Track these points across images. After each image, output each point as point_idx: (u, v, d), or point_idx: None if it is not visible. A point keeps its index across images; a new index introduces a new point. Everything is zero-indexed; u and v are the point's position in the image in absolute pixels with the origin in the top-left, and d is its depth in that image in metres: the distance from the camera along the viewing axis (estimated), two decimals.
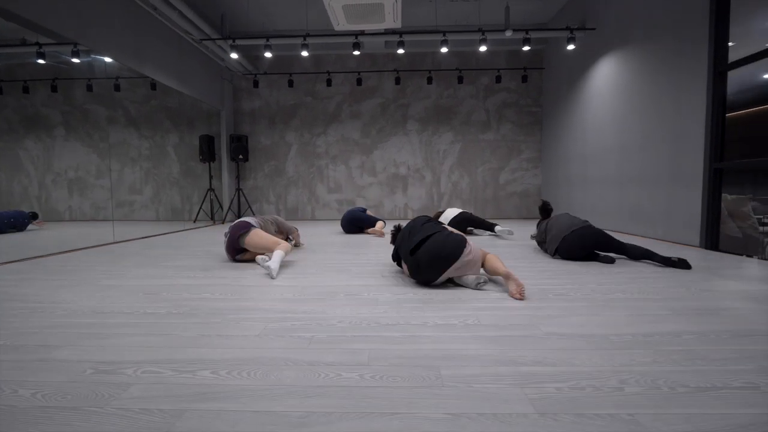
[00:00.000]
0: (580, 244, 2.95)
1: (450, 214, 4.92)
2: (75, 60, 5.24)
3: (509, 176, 7.38)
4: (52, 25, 3.94)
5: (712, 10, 3.39)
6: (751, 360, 1.25)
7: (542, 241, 3.37)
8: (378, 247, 3.92)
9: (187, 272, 2.72)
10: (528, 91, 7.26)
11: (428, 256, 2.14)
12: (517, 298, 1.97)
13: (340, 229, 5.79)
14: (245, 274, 2.65)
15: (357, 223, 5.14)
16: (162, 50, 5.58)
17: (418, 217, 2.57)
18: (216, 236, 5.13)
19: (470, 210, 7.31)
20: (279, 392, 1.09)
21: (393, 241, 2.72)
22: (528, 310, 1.78)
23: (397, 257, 2.57)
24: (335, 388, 1.11)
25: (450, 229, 2.39)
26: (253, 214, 6.96)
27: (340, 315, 1.75)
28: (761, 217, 3.43)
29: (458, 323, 1.62)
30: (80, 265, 3.00)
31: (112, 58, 4.93)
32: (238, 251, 3.09)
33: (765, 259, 3.05)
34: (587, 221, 3.06)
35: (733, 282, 2.30)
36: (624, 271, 2.63)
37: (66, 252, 3.71)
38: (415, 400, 1.04)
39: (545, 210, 3.50)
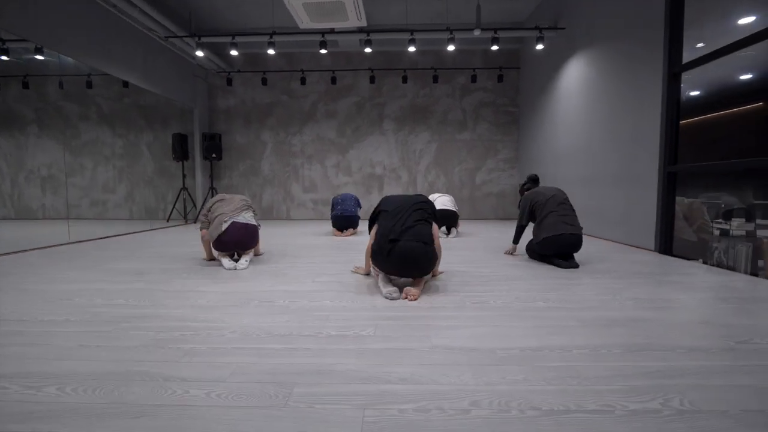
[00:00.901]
0: (569, 242, 2.87)
1: (441, 202, 4.65)
2: (39, 57, 5.14)
3: (486, 176, 7.32)
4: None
5: (667, 11, 3.33)
6: (624, 379, 1.19)
7: (528, 214, 3.15)
8: (336, 251, 3.86)
9: (120, 276, 2.66)
10: (505, 90, 7.20)
11: (401, 258, 2.10)
12: (407, 298, 2.03)
13: (312, 229, 5.73)
14: (178, 277, 2.59)
15: (348, 224, 4.91)
16: (126, 48, 5.49)
17: (418, 194, 2.42)
18: (181, 236, 5.06)
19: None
20: (112, 411, 1.03)
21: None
22: (433, 320, 1.73)
23: (374, 220, 2.42)
24: (170, 407, 1.05)
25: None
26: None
27: (238, 324, 1.69)
28: (717, 221, 3.38)
29: (352, 334, 1.57)
30: (14, 268, 2.93)
31: (71, 56, 4.84)
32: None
33: (714, 265, 3.00)
34: (582, 227, 2.98)
35: (667, 290, 2.25)
36: (563, 276, 2.58)
37: (12, 253, 3.63)
38: (243, 421, 0.98)
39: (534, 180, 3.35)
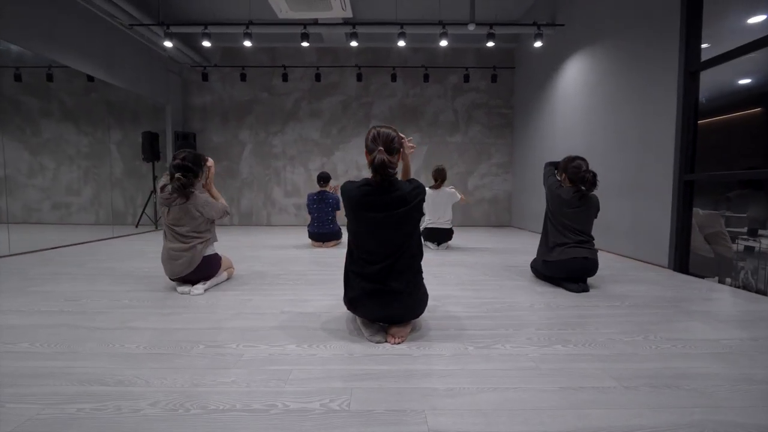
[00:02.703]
0: (583, 267, 2.47)
1: (434, 219, 4.16)
2: None
3: (478, 181, 6.97)
4: None
5: (684, 3, 3.00)
6: None
7: (546, 177, 2.70)
8: (315, 267, 3.43)
9: (46, 303, 2.18)
10: (498, 91, 6.87)
11: (384, 306, 1.64)
12: (392, 340, 1.63)
13: (292, 238, 5.28)
14: (117, 306, 2.12)
15: (327, 238, 4.40)
16: (85, 37, 4.95)
17: (394, 190, 1.63)
18: (145, 246, 4.55)
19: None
20: None
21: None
22: (427, 379, 1.32)
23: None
24: None
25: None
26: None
27: (166, 388, 1.25)
28: (739, 236, 3.06)
29: (318, 406, 1.14)
30: None
31: (18, 44, 4.28)
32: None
33: (738, 287, 2.67)
34: (597, 251, 2.55)
35: (702, 325, 1.89)
36: (577, 304, 2.21)
37: None
38: None
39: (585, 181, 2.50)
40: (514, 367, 1.41)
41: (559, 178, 2.69)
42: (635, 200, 3.58)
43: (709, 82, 3.02)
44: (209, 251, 2.47)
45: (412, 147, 1.86)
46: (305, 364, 1.43)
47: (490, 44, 5.04)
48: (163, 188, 2.42)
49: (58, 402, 1.17)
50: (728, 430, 1.04)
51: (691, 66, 2.99)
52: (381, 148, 1.62)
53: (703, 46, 3.03)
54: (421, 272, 1.74)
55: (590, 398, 1.20)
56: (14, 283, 2.66)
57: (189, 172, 2.38)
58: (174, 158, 2.41)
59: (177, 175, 2.33)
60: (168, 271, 2.42)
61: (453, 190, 4.29)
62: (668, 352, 1.55)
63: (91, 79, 5.70)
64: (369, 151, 1.69)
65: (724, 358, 1.50)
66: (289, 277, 2.90)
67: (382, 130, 1.68)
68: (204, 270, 2.42)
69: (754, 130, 2.81)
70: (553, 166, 2.77)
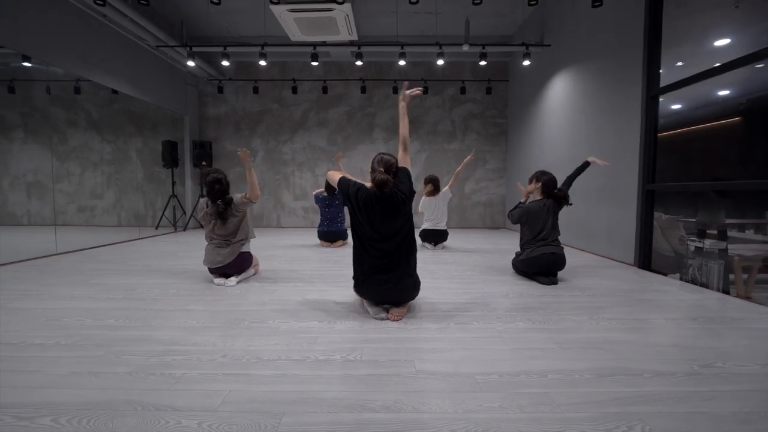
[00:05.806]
0: (551, 261, 2.95)
1: (432, 221, 4.69)
2: (26, 64, 5.11)
3: (474, 186, 7.44)
4: None
5: (645, 36, 3.47)
6: (593, 406, 1.28)
7: (517, 219, 3.17)
8: (325, 264, 3.91)
9: (109, 292, 2.67)
10: (494, 102, 7.34)
11: (381, 289, 2.11)
12: (392, 318, 2.11)
13: (302, 238, 5.76)
14: (167, 294, 2.61)
15: (336, 237, 4.92)
16: (113, 56, 5.48)
17: (385, 179, 2.04)
18: (170, 246, 5.05)
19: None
20: None
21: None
22: (418, 343, 1.80)
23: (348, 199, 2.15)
24: None
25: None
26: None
27: (228, 348, 1.73)
28: (692, 239, 3.51)
29: (339, 358, 1.63)
30: (1, 284, 2.92)
31: (58, 66, 4.81)
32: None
33: (688, 281, 3.13)
34: (563, 248, 3.04)
35: (641, 309, 2.35)
36: (544, 294, 2.68)
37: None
38: None
39: (552, 188, 3.06)
40: (482, 336, 1.89)
41: (530, 186, 3.19)
42: (611, 206, 4.05)
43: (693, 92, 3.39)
44: (245, 248, 2.97)
45: (416, 93, 2.28)
46: (327, 333, 1.92)
47: (483, 63, 5.51)
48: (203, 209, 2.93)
49: (154, 355, 1.66)
50: (621, 372, 1.52)
51: (651, 91, 3.45)
52: (381, 169, 2.11)
53: (678, 63, 3.48)
54: (415, 271, 2.22)
55: (533, 355, 1.68)
56: (75, 277, 3.16)
57: (226, 194, 2.91)
58: (214, 184, 2.90)
59: (219, 202, 2.87)
60: (208, 261, 2.91)
61: (446, 189, 4.81)
62: (604, 327, 2.03)
63: (115, 91, 6.22)
64: (372, 170, 2.17)
65: (644, 331, 1.97)
66: (304, 272, 3.39)
67: (384, 156, 2.16)
68: (239, 265, 2.92)
69: (728, 138, 3.18)
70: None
